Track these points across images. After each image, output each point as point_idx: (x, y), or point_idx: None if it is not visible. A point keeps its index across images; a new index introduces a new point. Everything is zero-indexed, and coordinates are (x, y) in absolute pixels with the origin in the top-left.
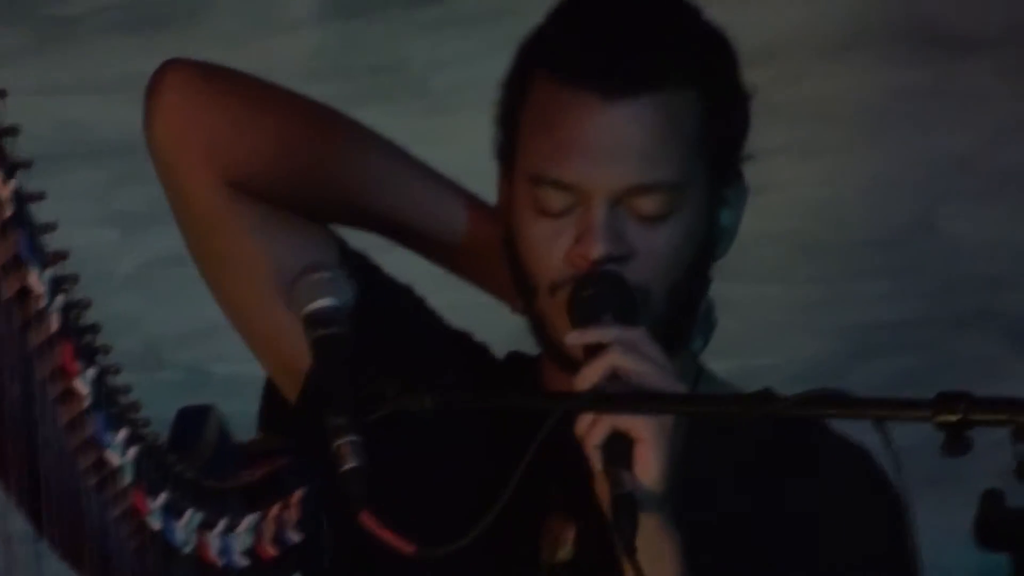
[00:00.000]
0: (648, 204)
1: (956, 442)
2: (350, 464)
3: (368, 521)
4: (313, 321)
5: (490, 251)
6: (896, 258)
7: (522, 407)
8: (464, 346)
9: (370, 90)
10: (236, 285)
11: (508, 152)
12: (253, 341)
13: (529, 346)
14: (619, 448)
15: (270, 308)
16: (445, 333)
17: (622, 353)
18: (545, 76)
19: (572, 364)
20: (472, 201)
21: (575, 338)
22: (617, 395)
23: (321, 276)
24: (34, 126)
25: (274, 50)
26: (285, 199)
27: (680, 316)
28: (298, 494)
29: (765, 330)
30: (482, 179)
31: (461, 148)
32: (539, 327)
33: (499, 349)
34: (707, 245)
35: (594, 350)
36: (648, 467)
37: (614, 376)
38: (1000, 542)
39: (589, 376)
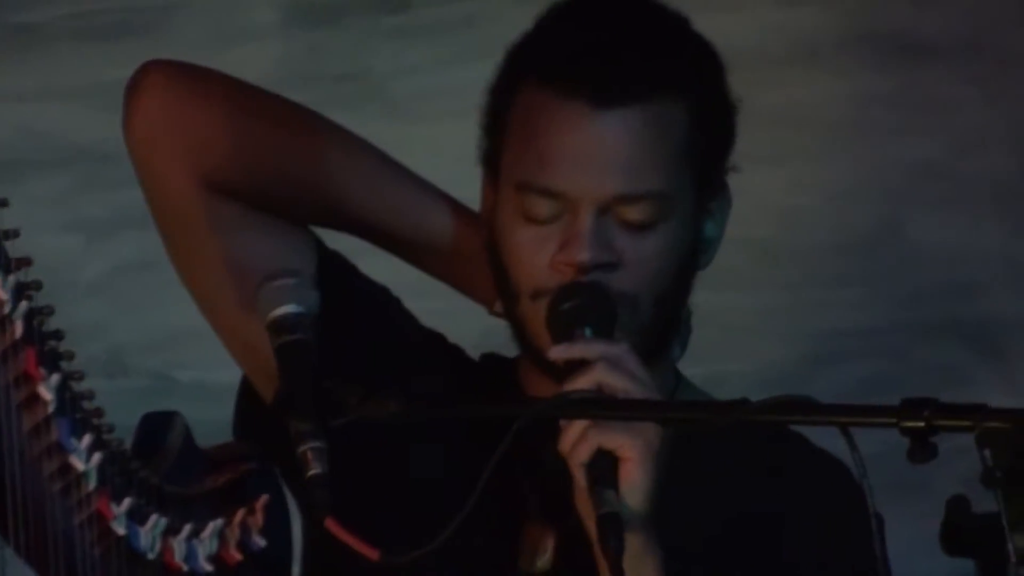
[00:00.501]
0: (635, 213)
1: (921, 448)
2: (314, 470)
3: (333, 527)
4: (277, 328)
5: (470, 256)
6: (863, 265)
7: (484, 416)
8: (440, 347)
9: (334, 98)
10: (213, 285)
11: (493, 158)
12: (229, 341)
13: (497, 350)
14: (605, 467)
15: (247, 309)
16: (421, 334)
17: (607, 369)
18: (533, 83)
19: (553, 368)
20: (453, 205)
21: (560, 352)
22: (585, 401)
23: (284, 283)
24: None
25: (238, 59)
26: (263, 200)
27: (664, 325)
28: (263, 499)
29: (732, 336)
30: (445, 186)
31: (424, 156)
32: (520, 332)
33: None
34: (692, 255)
35: (577, 364)
36: (634, 486)
37: (598, 392)
38: (966, 548)
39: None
